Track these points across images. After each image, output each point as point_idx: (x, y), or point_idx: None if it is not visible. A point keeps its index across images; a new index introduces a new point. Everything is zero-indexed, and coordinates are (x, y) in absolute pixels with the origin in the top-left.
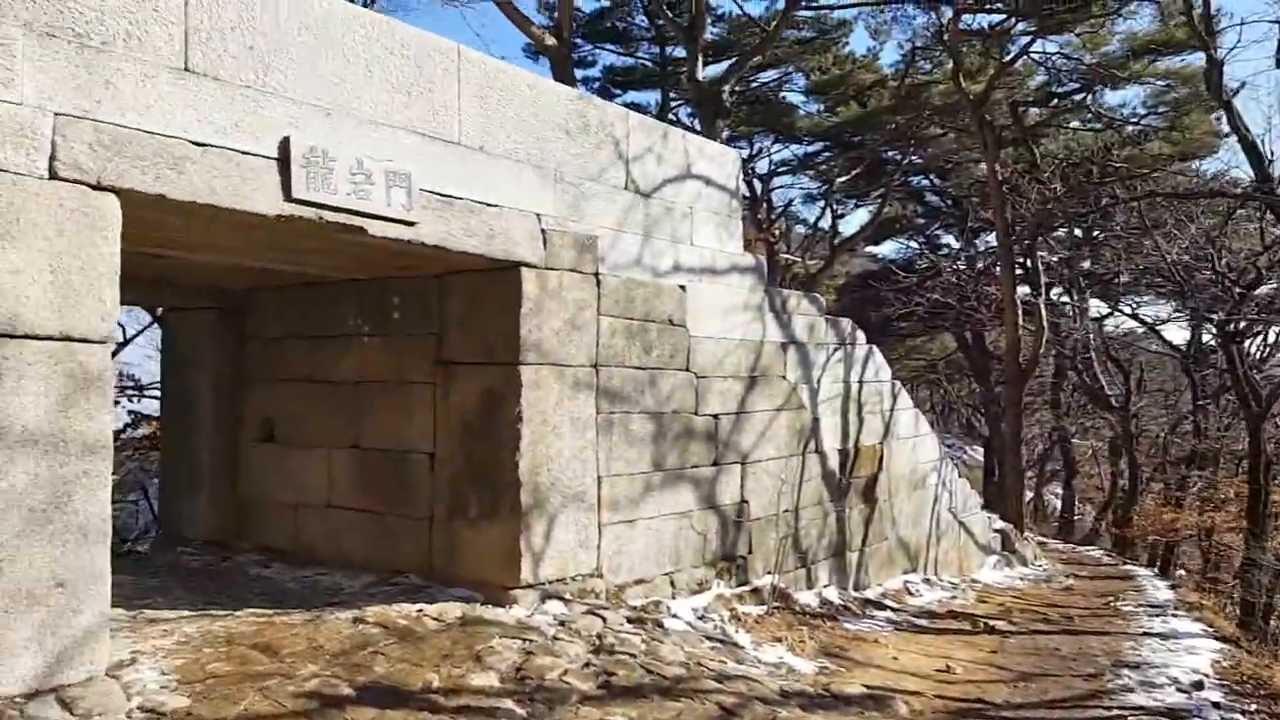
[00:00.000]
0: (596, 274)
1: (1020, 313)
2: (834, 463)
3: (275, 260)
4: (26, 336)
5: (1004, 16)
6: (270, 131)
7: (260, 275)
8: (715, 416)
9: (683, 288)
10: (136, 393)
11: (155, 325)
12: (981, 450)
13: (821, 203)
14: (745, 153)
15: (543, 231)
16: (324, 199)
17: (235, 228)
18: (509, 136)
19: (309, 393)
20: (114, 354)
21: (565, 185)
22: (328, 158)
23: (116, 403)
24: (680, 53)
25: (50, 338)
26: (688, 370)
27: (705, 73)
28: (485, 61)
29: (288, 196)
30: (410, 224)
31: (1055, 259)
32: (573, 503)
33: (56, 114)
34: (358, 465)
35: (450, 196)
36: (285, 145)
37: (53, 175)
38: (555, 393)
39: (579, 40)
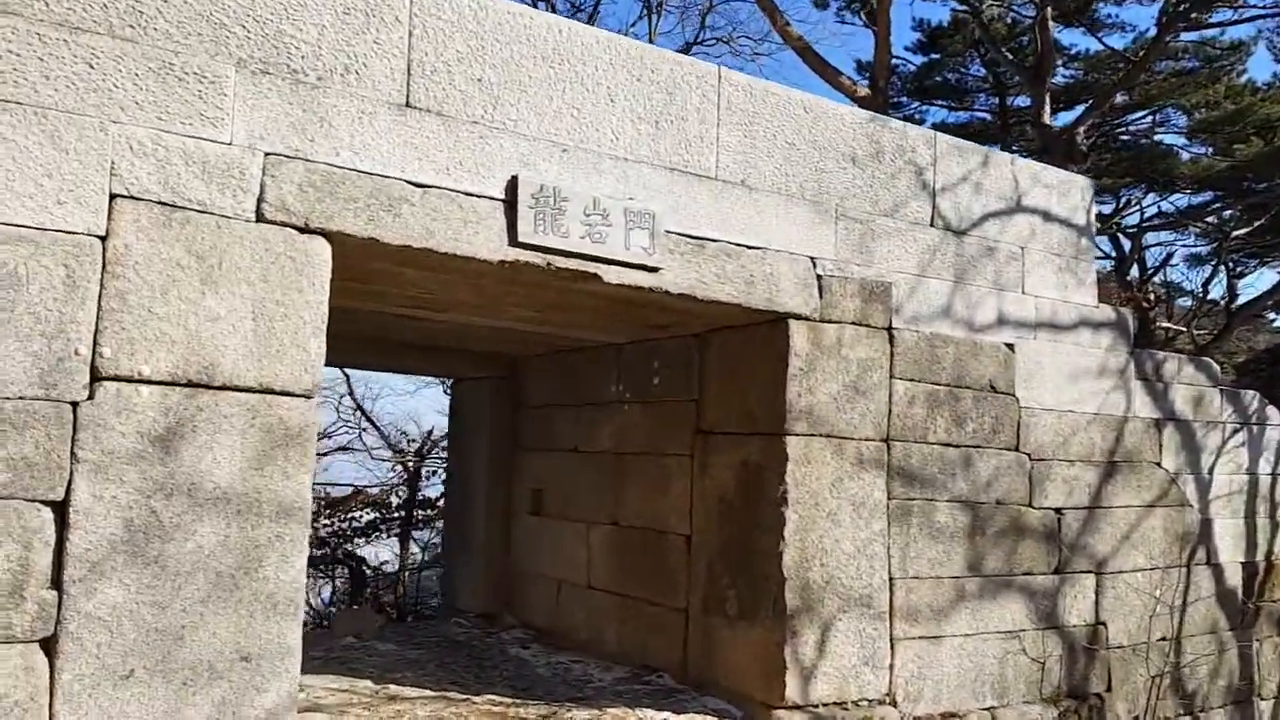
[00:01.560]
0: (889, 328)
1: None
2: (1234, 579)
3: (521, 319)
4: (223, 388)
5: None
6: (497, 170)
7: (531, 341)
8: (1057, 511)
9: (1009, 346)
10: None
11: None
12: None
13: (1212, 262)
14: (1109, 207)
15: (818, 278)
16: (553, 243)
17: (465, 277)
18: (777, 168)
19: (573, 463)
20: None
21: (849, 222)
22: (559, 197)
23: (434, 473)
24: (1023, 102)
25: (249, 389)
26: (1017, 450)
27: (1055, 121)
28: (752, 85)
29: (513, 240)
30: (652, 269)
31: None
32: (855, 608)
33: (267, 154)
34: (615, 544)
35: (701, 238)
36: (513, 185)
37: (260, 218)
38: (831, 470)
39: (904, 98)
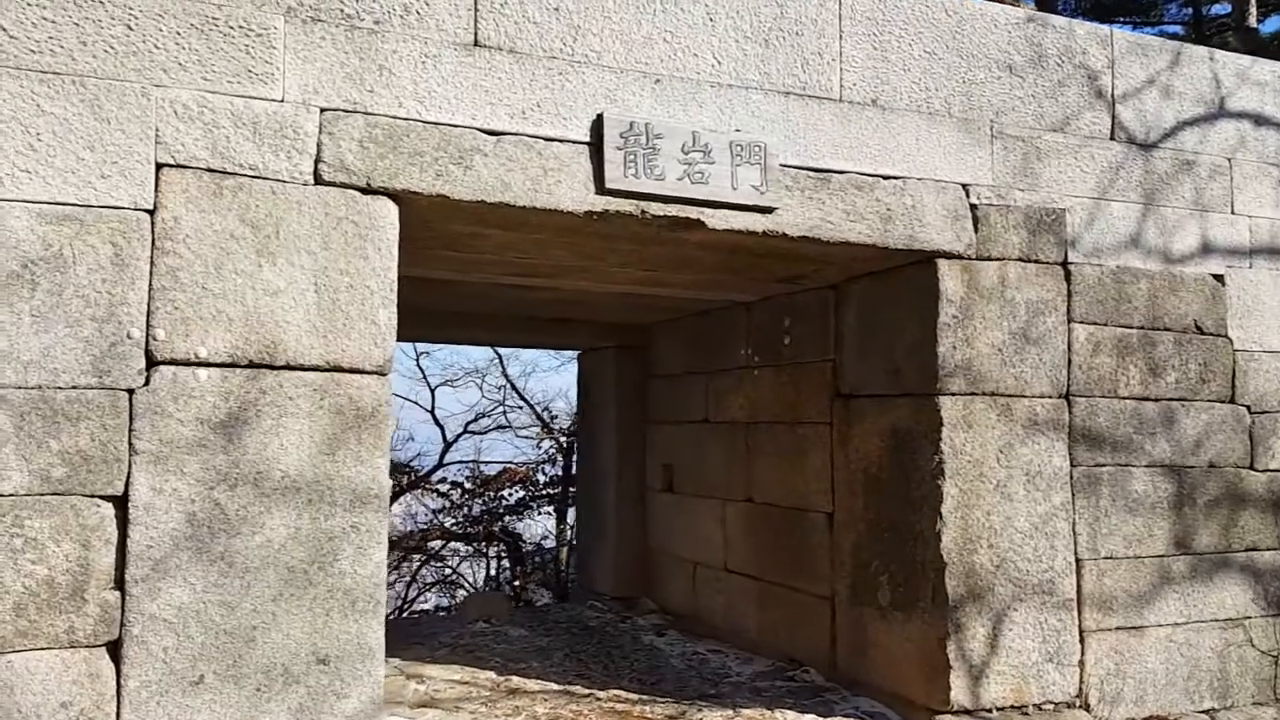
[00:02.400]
0: (1064, 262)
1: None
2: None
3: (634, 281)
4: (286, 367)
5: None
6: (579, 110)
7: (655, 306)
8: None
9: (1217, 278)
10: None
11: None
12: None
13: None
14: None
15: (971, 208)
16: (647, 187)
17: (556, 234)
18: (917, 83)
19: (704, 436)
20: None
21: (1007, 141)
22: (651, 134)
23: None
24: (1223, 9)
25: (315, 368)
26: (1232, 402)
27: (1263, 26)
28: None
29: (600, 188)
30: (765, 210)
31: None
32: (1033, 596)
33: (323, 110)
34: (751, 522)
35: (824, 171)
36: (598, 125)
37: (318, 180)
38: (997, 434)
39: (1078, 17)
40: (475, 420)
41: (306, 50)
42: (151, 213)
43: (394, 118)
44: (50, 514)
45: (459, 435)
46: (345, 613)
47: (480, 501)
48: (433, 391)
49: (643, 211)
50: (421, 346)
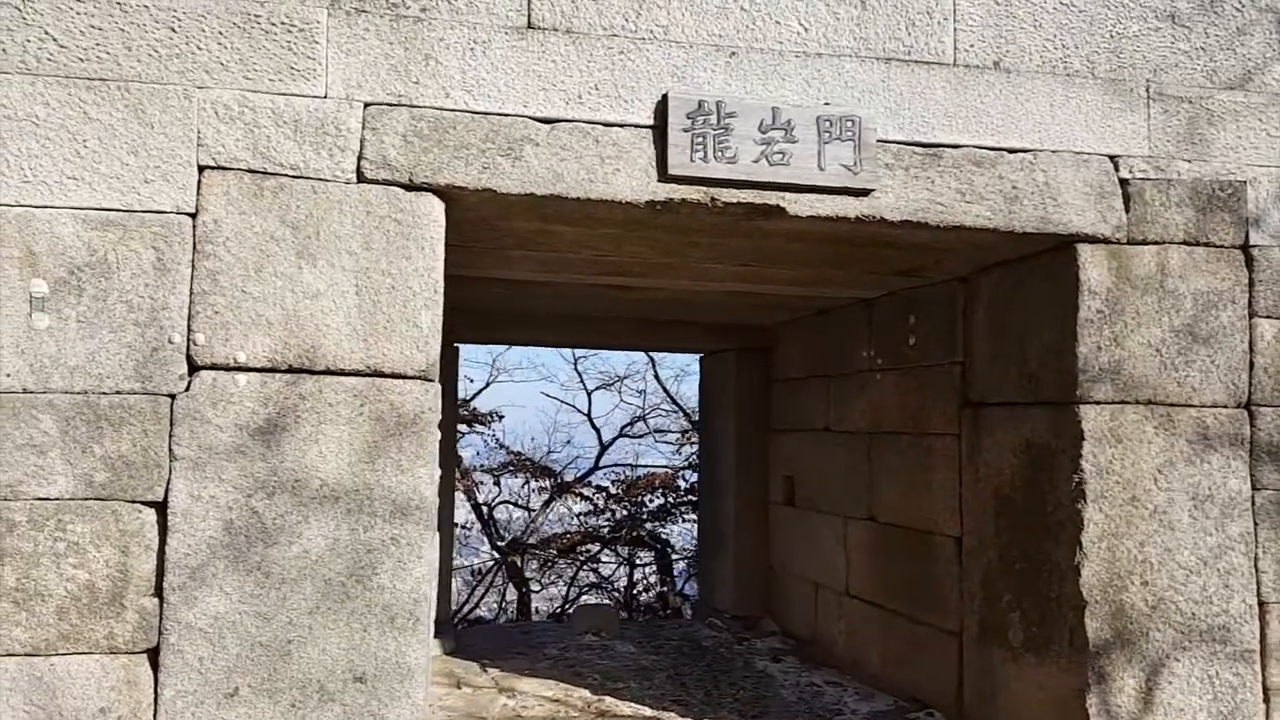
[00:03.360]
0: (1245, 245)
1: None
2: None
3: (732, 278)
4: (326, 372)
5: None
6: (642, 90)
7: (774, 306)
8: None
9: None
10: None
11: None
12: None
13: None
14: None
15: (1121, 183)
16: (716, 172)
17: (626, 228)
18: (1050, 40)
19: (824, 445)
20: None
21: (1168, 103)
22: (723, 112)
23: None
24: None
25: (355, 373)
26: None
27: None
28: None
29: (663, 175)
30: (859, 193)
31: None
32: (1200, 643)
33: (366, 104)
34: (873, 543)
35: (934, 145)
36: (662, 106)
37: (360, 178)
38: (1155, 450)
39: None
40: (630, 424)
41: (350, 44)
42: (193, 216)
43: (440, 109)
44: (92, 519)
45: (614, 439)
46: (384, 629)
47: (622, 507)
48: (589, 395)
49: (712, 199)
50: (579, 352)
